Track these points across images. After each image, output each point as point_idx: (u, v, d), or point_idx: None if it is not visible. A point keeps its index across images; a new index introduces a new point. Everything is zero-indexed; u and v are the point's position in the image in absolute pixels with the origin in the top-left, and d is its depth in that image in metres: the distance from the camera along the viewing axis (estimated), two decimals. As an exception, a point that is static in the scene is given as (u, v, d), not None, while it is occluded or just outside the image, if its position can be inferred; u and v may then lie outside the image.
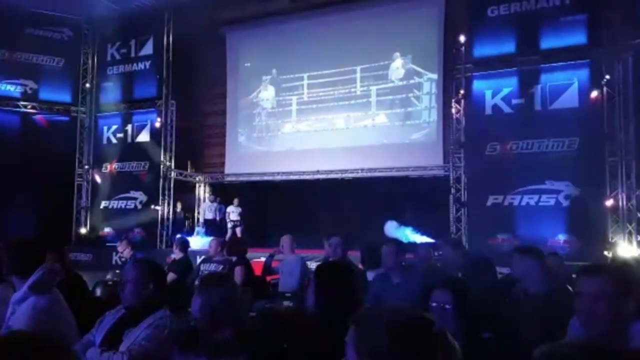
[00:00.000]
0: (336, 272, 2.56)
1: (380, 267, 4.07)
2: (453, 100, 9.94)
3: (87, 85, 13.05)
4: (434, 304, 2.45)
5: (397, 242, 3.94)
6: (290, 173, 12.05)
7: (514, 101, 9.08)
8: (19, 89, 12.34)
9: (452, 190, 9.83)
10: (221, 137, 13.33)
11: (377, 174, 11.09)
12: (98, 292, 4.63)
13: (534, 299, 2.97)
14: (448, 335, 1.16)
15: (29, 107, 12.51)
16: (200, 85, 13.49)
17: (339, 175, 11.49)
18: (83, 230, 12.79)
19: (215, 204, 12.16)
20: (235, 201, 11.98)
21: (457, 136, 9.81)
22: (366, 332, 1.12)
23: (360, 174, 11.23)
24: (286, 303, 4.70)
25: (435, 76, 10.93)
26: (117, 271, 6.47)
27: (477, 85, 9.54)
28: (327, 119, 12.08)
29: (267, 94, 12.84)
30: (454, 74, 9.84)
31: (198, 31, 12.35)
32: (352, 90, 11.80)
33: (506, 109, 9.16)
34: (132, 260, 6.00)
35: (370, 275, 4.24)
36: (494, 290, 3.45)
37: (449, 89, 10.24)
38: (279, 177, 12.25)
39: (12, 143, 11.91)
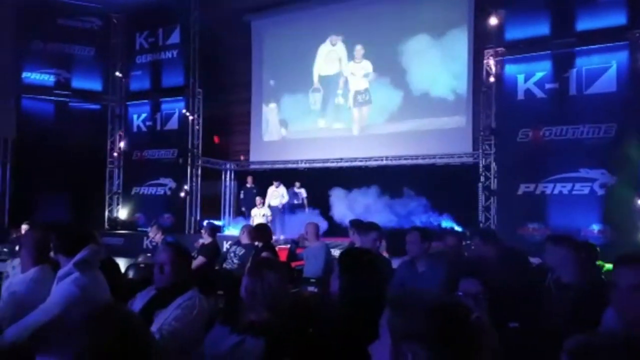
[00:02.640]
0: (360, 258, 2.56)
1: (405, 255, 4.04)
2: (483, 85, 9.69)
3: (117, 74, 13.29)
4: (460, 293, 2.41)
5: (421, 230, 3.89)
6: (314, 161, 12.03)
7: (548, 86, 8.78)
8: (53, 78, 12.67)
9: (482, 179, 9.64)
10: (246, 125, 13.41)
11: (402, 161, 10.92)
12: (130, 274, 4.78)
13: (566, 289, 2.89)
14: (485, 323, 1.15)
15: (63, 95, 12.83)
16: (226, 73, 13.56)
17: (363, 163, 11.40)
18: (115, 215, 13.15)
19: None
20: (258, 200, 11.33)
21: (488, 122, 9.58)
22: (404, 315, 1.12)
23: (385, 162, 11.12)
24: (311, 288, 4.74)
25: (465, 60, 10.65)
26: (148, 255, 6.65)
27: (509, 69, 9.26)
28: (351, 105, 11.96)
29: (292, 81, 12.80)
30: (485, 57, 9.58)
31: (223, 19, 12.40)
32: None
33: (539, 94, 8.87)
34: (163, 244, 6.18)
35: (395, 263, 4.22)
36: (525, 280, 3.38)
37: (479, 73, 9.98)
38: (302, 165, 12.24)
39: (47, 130, 12.26)
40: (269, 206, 11.38)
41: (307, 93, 12.46)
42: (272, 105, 13.04)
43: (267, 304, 2.23)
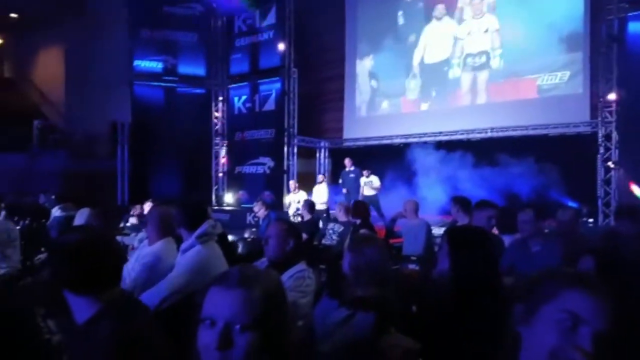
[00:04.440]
0: (471, 236, 2.48)
1: (516, 233, 3.83)
2: (603, 46, 8.69)
3: (218, 58, 13.93)
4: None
5: (535, 208, 3.67)
6: (410, 135, 11.66)
7: (681, 43, 7.67)
8: (161, 65, 13.54)
9: (601, 150, 8.75)
10: (340, 102, 13.43)
11: (509, 133, 10.14)
12: (239, 248, 5.10)
13: None
14: None
15: (171, 81, 13.72)
16: (320, 51, 13.63)
17: (464, 136, 10.82)
18: (221, 193, 14.02)
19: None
20: (292, 184, 10.70)
21: (608, 87, 8.62)
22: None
23: (489, 134, 10.43)
24: (411, 266, 4.70)
25: (581, 19, 9.56)
26: (253, 229, 7.06)
27: (633, 27, 8.20)
28: (449, 76, 11.36)
29: (385, 53, 12.46)
30: (604, 14, 8.56)
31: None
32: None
33: (670, 53, 7.78)
34: (267, 219, 6.53)
35: (505, 241, 4.02)
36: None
37: (598, 33, 8.94)
38: (397, 140, 11.96)
39: (158, 115, 13.28)
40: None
41: (402, 68, 12.08)
42: (366, 72, 12.83)
43: (372, 279, 2.25)
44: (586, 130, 9.28)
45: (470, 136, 10.70)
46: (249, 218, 9.77)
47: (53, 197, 8.68)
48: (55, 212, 5.28)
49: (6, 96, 18.51)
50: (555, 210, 4.31)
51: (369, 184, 10.39)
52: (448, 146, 10.75)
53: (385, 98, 12.53)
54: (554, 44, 9.72)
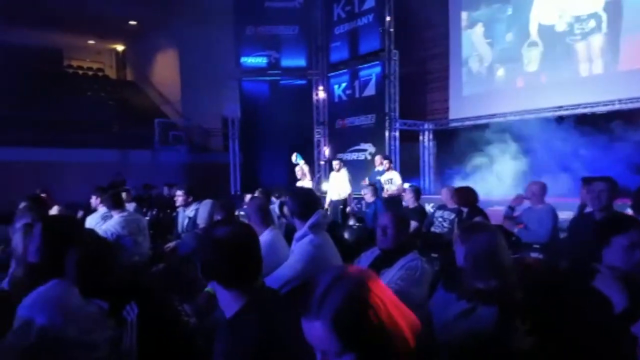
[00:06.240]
0: (615, 223, 2.24)
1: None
2: None
3: (318, 48, 14.08)
4: None
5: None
6: (525, 112, 10.68)
7: None
8: (265, 60, 14.05)
9: None
10: (443, 81, 12.84)
11: (638, 104, 8.91)
12: (346, 235, 5.13)
13: None
14: None
15: (274, 75, 14.16)
16: (421, 29, 13.12)
17: (588, 110, 9.69)
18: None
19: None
20: (298, 170, 9.72)
21: None
22: None
23: (617, 106, 9.17)
24: (534, 255, 4.38)
25: None
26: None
27: None
28: (565, 43, 10.20)
29: (493, 20, 11.49)
30: None
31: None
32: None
33: None
34: (374, 206, 6.49)
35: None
36: None
37: None
38: (510, 118, 11.03)
39: (264, 108, 13.84)
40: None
41: (513, 35, 11.12)
42: (471, 43, 12.04)
43: (490, 270, 2.12)
44: None
45: (595, 109, 9.54)
46: (352, 205, 9.73)
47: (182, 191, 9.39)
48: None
49: (130, 98, 20.69)
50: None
51: (389, 182, 8.56)
52: (569, 121, 9.66)
53: (496, 69, 11.61)
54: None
